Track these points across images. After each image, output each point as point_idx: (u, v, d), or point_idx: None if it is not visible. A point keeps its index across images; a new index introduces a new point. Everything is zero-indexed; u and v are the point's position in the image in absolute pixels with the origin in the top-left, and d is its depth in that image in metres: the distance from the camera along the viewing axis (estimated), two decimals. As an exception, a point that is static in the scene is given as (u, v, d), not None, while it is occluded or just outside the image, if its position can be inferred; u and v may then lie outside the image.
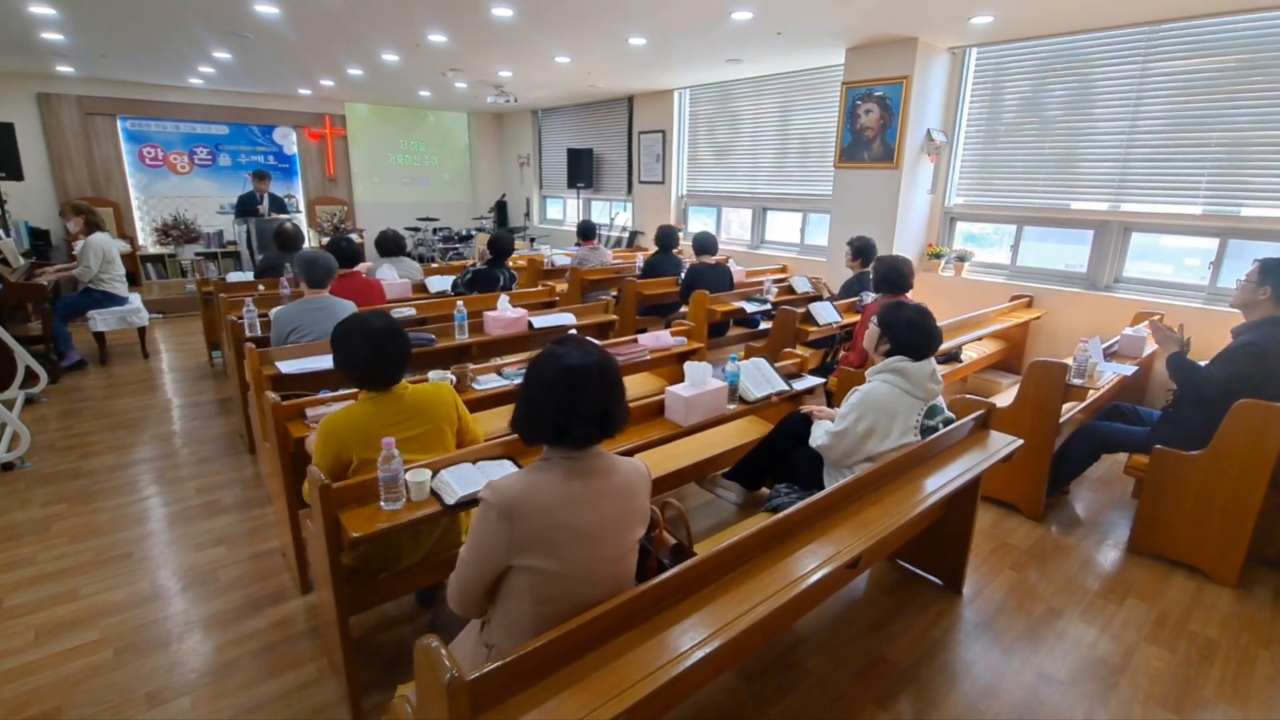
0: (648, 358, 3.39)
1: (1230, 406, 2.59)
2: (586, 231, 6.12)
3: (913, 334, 2.29)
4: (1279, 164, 3.91)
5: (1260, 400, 2.53)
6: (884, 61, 5.04)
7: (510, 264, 5.10)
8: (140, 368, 5.42)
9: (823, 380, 3.17)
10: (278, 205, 7.21)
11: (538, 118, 10.29)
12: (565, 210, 10.45)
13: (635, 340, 3.41)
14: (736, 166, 7.33)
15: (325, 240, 8.49)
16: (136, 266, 8.20)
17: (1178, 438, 2.80)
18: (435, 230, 9.86)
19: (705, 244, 5.00)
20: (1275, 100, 3.89)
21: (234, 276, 5.21)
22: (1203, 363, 2.86)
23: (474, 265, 4.83)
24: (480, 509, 1.36)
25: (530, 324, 3.74)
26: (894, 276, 3.55)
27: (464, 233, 9.79)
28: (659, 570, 1.56)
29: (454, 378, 2.71)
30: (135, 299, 5.53)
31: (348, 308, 3.37)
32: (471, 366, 2.88)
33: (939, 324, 2.38)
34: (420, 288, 4.83)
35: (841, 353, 3.97)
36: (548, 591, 1.35)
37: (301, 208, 9.55)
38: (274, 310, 3.30)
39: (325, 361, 2.98)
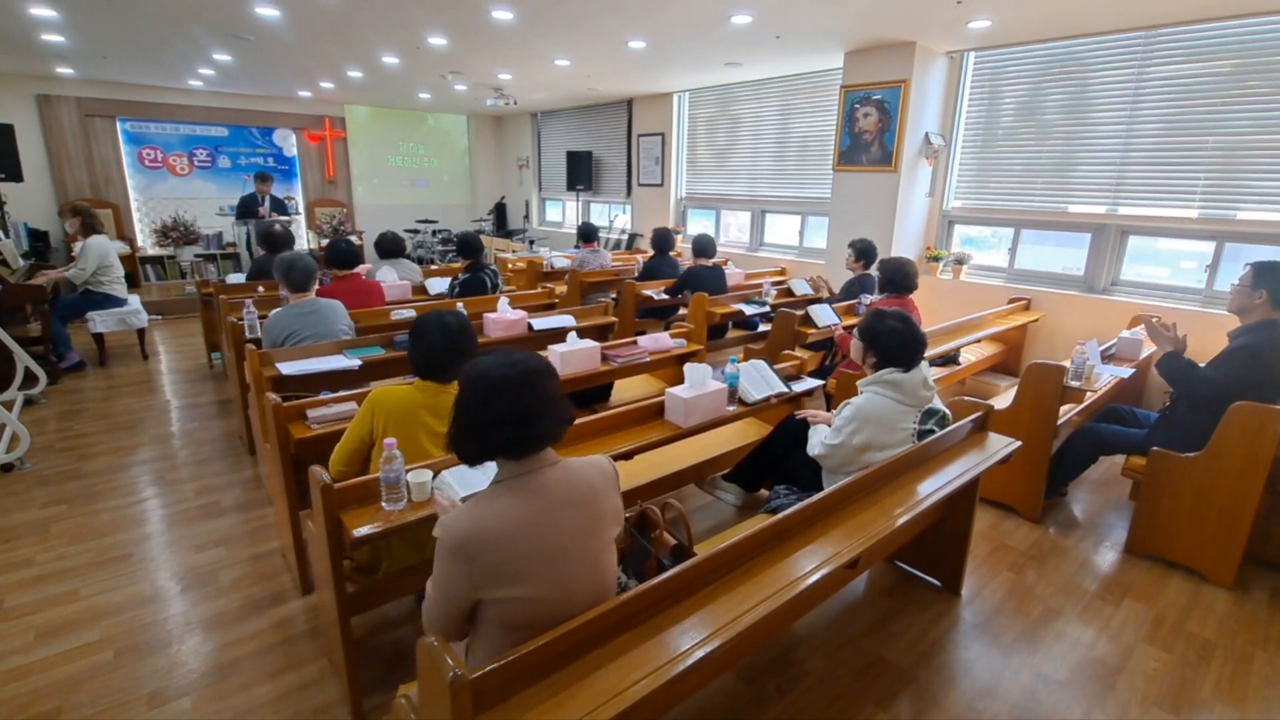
0: (647, 359, 3.41)
1: (1226, 409, 2.61)
2: (587, 234, 6.14)
3: (898, 344, 2.24)
4: (1274, 168, 3.94)
5: (1257, 402, 2.54)
6: (882, 65, 5.06)
7: (497, 264, 5.05)
8: (139, 369, 5.42)
9: (821, 382, 3.18)
10: (278, 207, 7.22)
11: (537, 120, 10.31)
12: (564, 212, 10.46)
13: (635, 342, 3.42)
14: (735, 169, 7.35)
15: (324, 242, 8.51)
16: (136, 268, 8.18)
17: (1175, 440, 2.81)
18: (434, 232, 9.88)
19: (704, 246, 5.02)
20: (1270, 104, 3.91)
21: (233, 278, 5.21)
22: (1200, 365, 2.87)
23: (457, 276, 4.74)
24: (437, 549, 1.30)
25: (530, 326, 3.76)
26: (899, 277, 3.56)
27: (463, 235, 9.80)
28: (659, 570, 1.57)
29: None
30: (134, 300, 5.53)
31: (337, 309, 3.38)
32: (472, 368, 2.88)
33: (934, 327, 2.38)
34: (420, 289, 4.84)
35: (841, 355, 3.98)
36: (524, 617, 1.31)
37: (301, 209, 9.56)
38: (267, 317, 3.30)
39: (325, 363, 2.99)
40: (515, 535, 1.29)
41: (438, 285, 4.86)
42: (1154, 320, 2.97)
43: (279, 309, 3.30)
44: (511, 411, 1.31)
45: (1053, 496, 3.28)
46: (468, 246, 4.72)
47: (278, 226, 5.14)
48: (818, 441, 2.39)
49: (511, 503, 1.32)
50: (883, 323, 2.29)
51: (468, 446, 1.37)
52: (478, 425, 1.33)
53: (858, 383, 2.39)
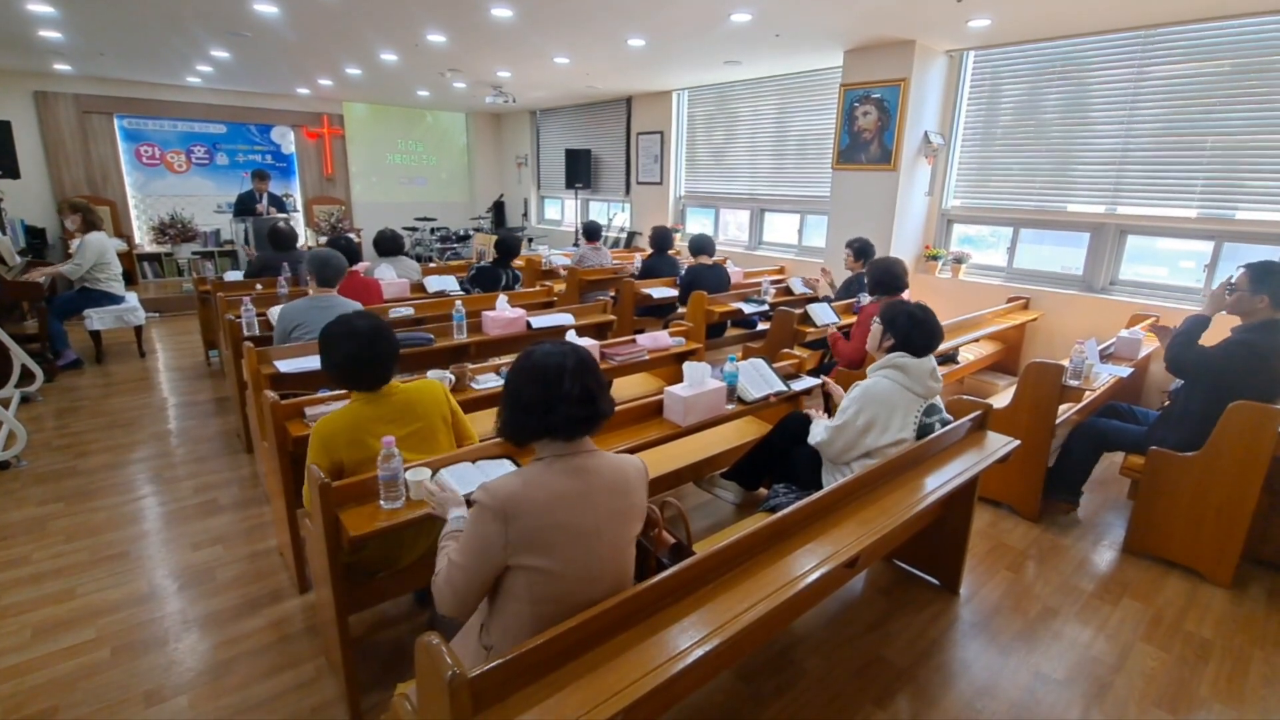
0: (646, 358, 3.40)
1: (1217, 400, 2.62)
2: (591, 232, 6.13)
3: (915, 329, 2.32)
4: (1273, 168, 3.94)
5: (1255, 402, 2.54)
6: (882, 64, 5.06)
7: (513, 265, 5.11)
8: (136, 367, 5.41)
9: (820, 381, 3.17)
10: (276, 204, 7.20)
11: (536, 118, 10.30)
12: (563, 211, 10.45)
13: (634, 340, 3.42)
14: (734, 168, 7.34)
15: (323, 240, 8.51)
16: (133, 265, 8.17)
17: (1173, 438, 2.81)
18: (433, 230, 9.86)
19: (703, 245, 5.01)
20: (1269, 104, 3.91)
21: (231, 275, 5.20)
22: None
23: (479, 263, 4.84)
24: (474, 511, 1.36)
25: (529, 324, 3.75)
26: (888, 278, 3.56)
27: (462, 233, 9.80)
28: (658, 569, 1.57)
29: (452, 377, 2.71)
30: (132, 298, 5.52)
31: (353, 308, 3.36)
32: (470, 366, 2.89)
33: (936, 325, 2.40)
34: (418, 287, 4.84)
35: (836, 334, 3.95)
36: (546, 591, 1.35)
37: (299, 207, 9.54)
38: (280, 306, 3.30)
39: (324, 361, 2.98)
40: (554, 506, 1.35)
41: (436, 283, 4.86)
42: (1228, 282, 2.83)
43: (297, 300, 3.29)
44: (576, 391, 1.39)
45: (1063, 499, 3.19)
46: (504, 246, 4.88)
47: (283, 224, 5.14)
48: (821, 427, 2.41)
49: (554, 477, 1.38)
50: (904, 308, 2.37)
51: (524, 424, 1.42)
52: (540, 404, 1.39)
53: (867, 368, 2.43)
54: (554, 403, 1.38)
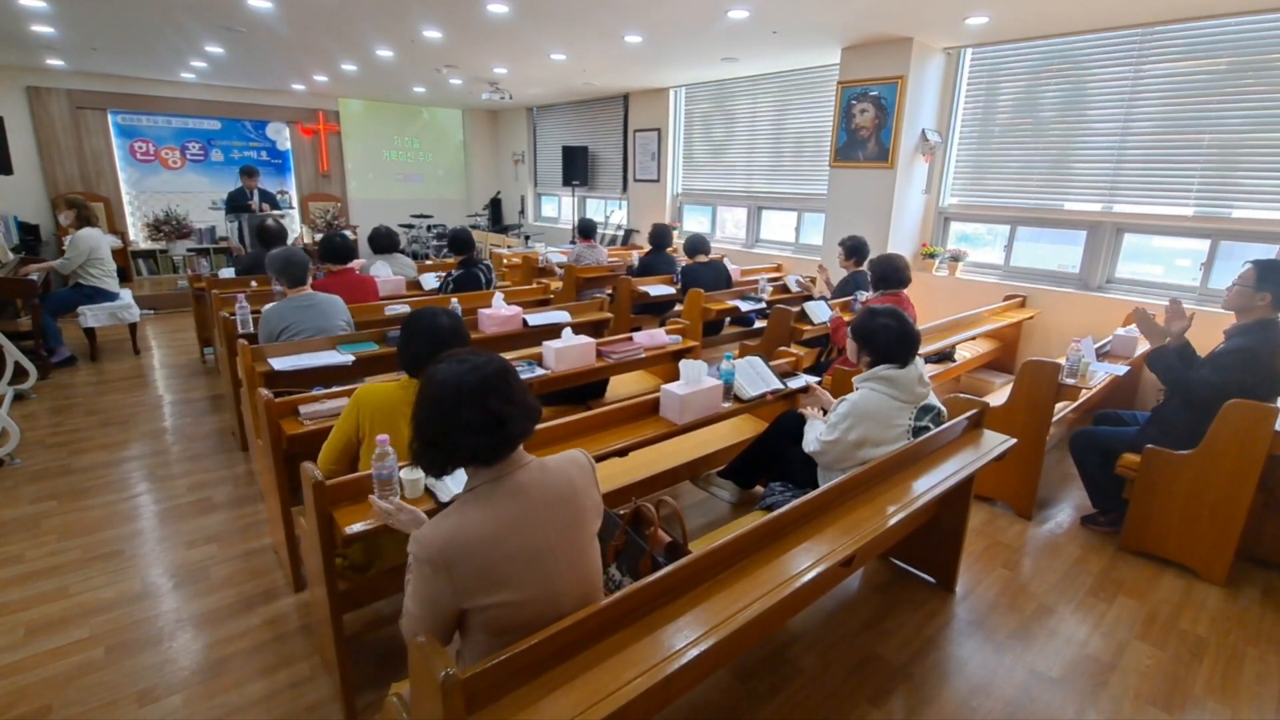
0: (643, 356, 3.39)
1: (1220, 407, 2.61)
2: (586, 230, 6.11)
3: (891, 341, 2.27)
4: (1269, 166, 3.95)
5: (1250, 400, 2.54)
6: (879, 61, 5.05)
7: (489, 260, 5.03)
8: (131, 364, 5.38)
9: (817, 379, 3.17)
10: (268, 200, 7.17)
11: (533, 115, 10.27)
12: (560, 208, 10.43)
13: (630, 338, 3.41)
14: (732, 165, 7.33)
15: (318, 236, 8.48)
16: (128, 262, 8.13)
17: (1166, 437, 2.81)
18: (429, 227, 9.83)
19: (697, 244, 5.01)
20: (1266, 103, 3.91)
21: (226, 273, 5.18)
22: (1198, 356, 2.86)
23: (450, 273, 4.74)
24: (414, 565, 1.26)
25: (525, 322, 3.74)
26: (890, 272, 3.56)
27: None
28: (654, 568, 1.56)
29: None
30: (126, 295, 5.49)
31: (336, 303, 3.36)
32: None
33: (930, 324, 2.38)
34: (414, 285, 4.82)
35: (836, 351, 3.96)
36: (511, 621, 1.28)
37: (294, 204, 9.49)
38: (263, 310, 3.29)
39: (319, 358, 2.97)
40: (496, 540, 1.26)
41: (432, 280, 4.84)
42: (1142, 310, 2.89)
43: (276, 302, 3.28)
44: (479, 418, 1.26)
45: (1107, 525, 3.07)
46: (459, 243, 4.72)
47: (270, 221, 5.11)
48: (813, 438, 2.38)
49: (489, 508, 1.28)
50: (875, 320, 2.31)
51: (434, 459, 1.30)
52: (444, 436, 1.27)
53: (854, 379, 2.39)
54: (453, 434, 1.25)
